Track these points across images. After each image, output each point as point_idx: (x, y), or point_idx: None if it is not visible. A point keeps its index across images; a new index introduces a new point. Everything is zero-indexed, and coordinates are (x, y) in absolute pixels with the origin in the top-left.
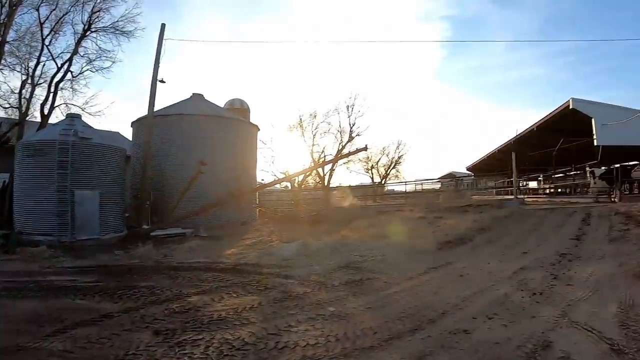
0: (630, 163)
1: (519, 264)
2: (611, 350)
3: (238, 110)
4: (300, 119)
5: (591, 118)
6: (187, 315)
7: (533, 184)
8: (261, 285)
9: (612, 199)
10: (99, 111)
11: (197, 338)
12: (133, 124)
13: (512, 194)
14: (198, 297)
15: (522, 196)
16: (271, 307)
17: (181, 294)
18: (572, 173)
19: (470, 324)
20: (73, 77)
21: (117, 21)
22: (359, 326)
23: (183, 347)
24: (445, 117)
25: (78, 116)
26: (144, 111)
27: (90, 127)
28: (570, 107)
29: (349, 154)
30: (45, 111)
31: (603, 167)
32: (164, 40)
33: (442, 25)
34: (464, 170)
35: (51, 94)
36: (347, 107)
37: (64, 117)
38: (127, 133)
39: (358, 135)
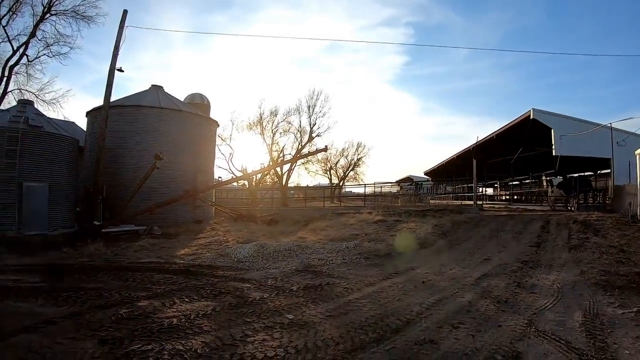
0: (587, 173)
1: (482, 270)
2: None
3: (198, 105)
4: (261, 117)
5: (550, 128)
6: (136, 322)
7: (490, 191)
8: (215, 290)
9: (569, 208)
10: (54, 99)
11: (146, 349)
12: (88, 114)
13: (470, 200)
14: (148, 302)
15: (480, 202)
16: (226, 314)
17: (130, 298)
18: (528, 181)
19: (436, 334)
20: (29, 61)
21: (78, 5)
22: (319, 336)
23: (130, 359)
24: (404, 122)
25: (30, 103)
26: (101, 101)
27: (43, 115)
28: (531, 117)
29: (309, 154)
30: None
31: (560, 177)
32: (125, 27)
33: (406, 30)
34: (422, 175)
35: (5, 78)
36: (308, 107)
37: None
38: (84, 124)
39: (318, 135)
